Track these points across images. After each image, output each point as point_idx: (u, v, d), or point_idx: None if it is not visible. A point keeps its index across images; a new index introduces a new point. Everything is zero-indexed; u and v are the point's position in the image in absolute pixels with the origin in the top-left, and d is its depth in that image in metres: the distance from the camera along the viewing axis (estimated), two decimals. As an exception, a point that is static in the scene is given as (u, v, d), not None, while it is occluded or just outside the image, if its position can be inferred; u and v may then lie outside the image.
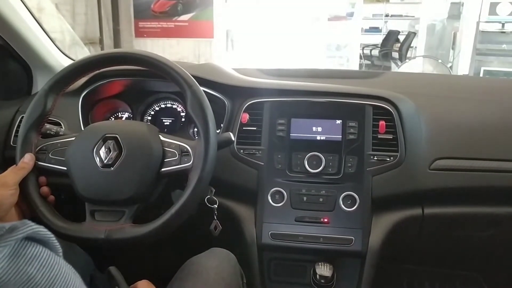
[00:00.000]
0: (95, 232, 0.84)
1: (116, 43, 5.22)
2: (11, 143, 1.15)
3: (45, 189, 0.91)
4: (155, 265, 1.07)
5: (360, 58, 6.63)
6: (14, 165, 0.89)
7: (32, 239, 0.34)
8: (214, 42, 5.06)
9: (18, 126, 1.13)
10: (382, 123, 1.07)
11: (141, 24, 5.19)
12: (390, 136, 1.07)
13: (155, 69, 0.91)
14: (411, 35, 6.66)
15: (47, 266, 0.34)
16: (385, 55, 7.04)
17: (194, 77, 0.91)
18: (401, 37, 7.03)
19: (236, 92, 1.15)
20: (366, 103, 1.09)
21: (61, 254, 0.38)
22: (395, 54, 6.84)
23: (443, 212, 1.10)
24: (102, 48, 5.01)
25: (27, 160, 0.89)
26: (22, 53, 1.20)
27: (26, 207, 0.88)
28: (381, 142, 1.07)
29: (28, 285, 0.32)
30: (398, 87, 1.20)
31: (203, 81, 1.03)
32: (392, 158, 1.05)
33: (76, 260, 0.97)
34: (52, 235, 0.37)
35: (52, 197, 0.92)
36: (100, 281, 0.95)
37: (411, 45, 6.69)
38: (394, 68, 6.36)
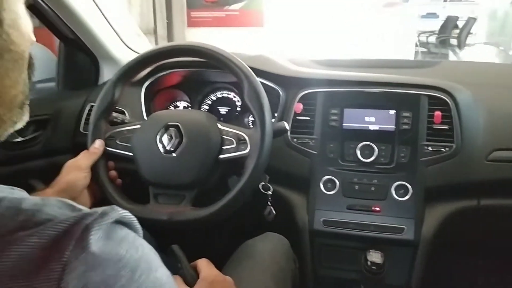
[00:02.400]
0: (158, 214, 0.91)
1: (169, 33, 5.36)
2: (81, 130, 1.23)
3: (113, 173, 0.99)
4: (212, 247, 1.13)
5: (416, 45, 6.41)
6: (86, 150, 0.96)
7: (119, 222, 0.38)
8: (264, 31, 5.08)
9: (87, 114, 1.22)
10: (437, 113, 1.06)
11: (193, 14, 5.29)
12: (446, 127, 1.05)
13: (214, 60, 0.95)
14: (470, 20, 6.35)
15: (133, 247, 0.37)
16: (443, 42, 6.74)
17: (250, 68, 0.94)
18: (460, 23, 6.72)
19: (290, 83, 1.17)
20: (421, 93, 1.08)
21: (141, 235, 0.41)
22: (454, 41, 6.55)
23: (500, 204, 1.08)
24: (156, 38, 5.16)
25: (98, 145, 0.96)
26: (91, 46, 1.28)
27: (96, 189, 0.96)
28: (436, 133, 1.06)
29: (118, 264, 0.35)
30: (454, 76, 1.18)
31: (258, 72, 1.06)
32: (447, 148, 1.04)
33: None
34: (135, 219, 0.40)
35: (119, 181, 1.00)
36: (163, 260, 1.02)
37: (471, 31, 6.38)
38: (451, 55, 6.09)
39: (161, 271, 0.40)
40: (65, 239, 0.33)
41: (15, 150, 1.14)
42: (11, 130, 0.49)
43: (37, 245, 0.33)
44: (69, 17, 1.17)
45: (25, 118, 0.51)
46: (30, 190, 0.85)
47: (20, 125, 0.50)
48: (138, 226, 0.40)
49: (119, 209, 0.38)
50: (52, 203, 0.37)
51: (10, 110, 0.47)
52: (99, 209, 0.37)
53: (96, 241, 0.34)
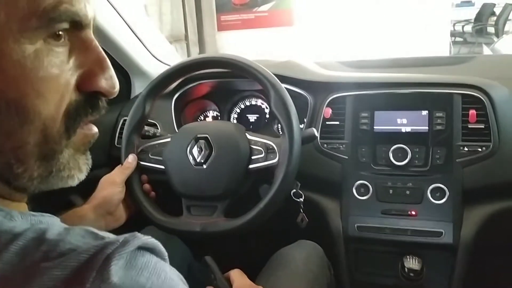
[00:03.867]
0: (192, 225, 0.92)
1: (200, 38, 5.42)
2: (115, 144, 1.26)
3: (147, 186, 1.01)
4: (245, 256, 1.13)
5: (451, 35, 6.22)
6: (120, 165, 0.99)
7: (141, 248, 0.38)
8: (294, 30, 5.06)
9: (121, 128, 1.24)
10: (472, 112, 1.02)
11: (223, 17, 5.32)
12: (482, 126, 1.02)
13: (239, 70, 0.96)
14: (508, 7, 6.11)
15: (154, 274, 0.36)
16: (480, 30, 6.52)
17: (276, 75, 0.94)
18: (498, 10, 6.47)
19: (318, 88, 1.16)
20: (454, 92, 1.05)
21: (166, 258, 0.40)
22: (491, 29, 6.32)
23: None
24: (187, 44, 5.23)
25: (131, 160, 0.98)
26: (122, 62, 1.31)
27: (131, 202, 0.98)
28: (472, 132, 1.02)
29: None
30: (490, 72, 1.14)
31: (285, 79, 1.06)
32: (484, 148, 1.01)
33: (176, 251, 1.06)
34: (159, 243, 0.40)
35: (153, 193, 1.02)
36: (197, 269, 1.04)
37: (509, 17, 6.13)
38: (485, 47, 5.83)
39: None
40: (87, 271, 0.33)
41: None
42: (41, 186, 0.43)
43: (60, 278, 0.33)
44: (98, 34, 1.20)
45: (63, 174, 0.44)
46: (70, 205, 0.89)
47: (59, 182, 0.45)
48: (161, 249, 0.40)
49: (140, 236, 0.38)
50: (75, 232, 0.37)
51: (19, 161, 0.40)
52: (121, 237, 0.37)
53: (116, 271, 0.34)
